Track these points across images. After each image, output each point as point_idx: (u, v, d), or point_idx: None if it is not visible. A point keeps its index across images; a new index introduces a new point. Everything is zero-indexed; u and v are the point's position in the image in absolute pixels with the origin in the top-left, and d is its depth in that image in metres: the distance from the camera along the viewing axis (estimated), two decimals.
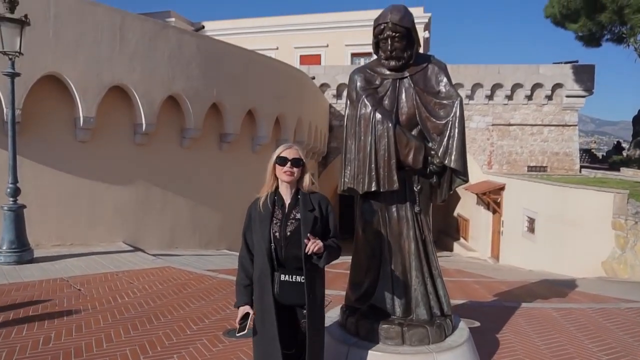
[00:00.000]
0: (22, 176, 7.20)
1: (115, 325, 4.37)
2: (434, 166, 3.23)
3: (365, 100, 3.18)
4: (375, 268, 3.33)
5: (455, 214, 22.97)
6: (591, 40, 16.02)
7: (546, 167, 19.46)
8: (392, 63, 3.21)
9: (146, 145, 9.68)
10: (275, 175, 2.52)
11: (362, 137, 3.17)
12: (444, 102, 3.20)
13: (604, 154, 34.02)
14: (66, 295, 5.41)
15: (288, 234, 2.44)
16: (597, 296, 6.93)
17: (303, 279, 2.41)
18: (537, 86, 19.35)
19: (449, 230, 23.85)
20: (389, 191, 3.18)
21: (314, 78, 18.93)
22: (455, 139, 3.12)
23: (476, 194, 18.45)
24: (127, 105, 9.22)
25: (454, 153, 3.12)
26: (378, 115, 3.13)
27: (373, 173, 3.13)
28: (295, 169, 2.46)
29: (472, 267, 12.81)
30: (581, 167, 20.17)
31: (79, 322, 4.42)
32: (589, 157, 30.62)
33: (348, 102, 3.34)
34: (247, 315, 2.47)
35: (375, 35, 3.19)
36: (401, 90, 3.25)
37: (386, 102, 3.23)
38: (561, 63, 19.83)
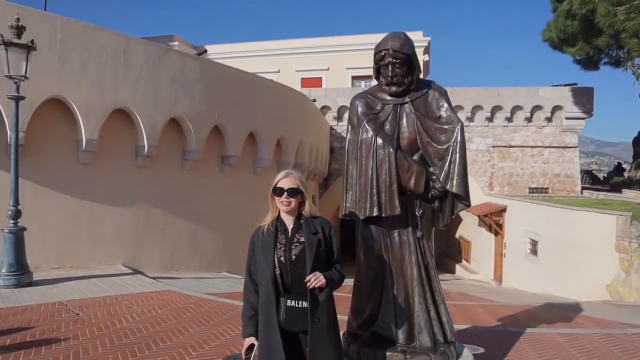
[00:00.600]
0: (23, 198, 7.20)
1: (113, 352, 4.30)
2: (436, 191, 3.23)
3: (367, 125, 3.20)
4: (377, 294, 3.30)
5: (457, 235, 22.85)
6: (589, 63, 16.22)
7: (547, 188, 19.45)
8: (393, 89, 3.24)
9: (148, 167, 9.71)
10: (274, 204, 2.52)
11: (364, 162, 3.18)
12: (445, 127, 3.22)
13: (605, 175, 34.05)
14: (64, 319, 5.34)
15: (293, 257, 2.42)
16: (602, 321, 6.82)
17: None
18: (536, 108, 19.51)
19: (450, 252, 23.69)
20: (391, 216, 3.17)
21: (314, 100, 19.11)
22: (457, 163, 3.13)
23: (478, 216, 18.40)
24: (129, 127, 9.28)
25: (455, 178, 3.13)
26: (379, 140, 3.15)
27: (375, 198, 3.13)
28: (292, 199, 2.46)
29: (475, 290, 12.66)
30: (583, 188, 20.16)
31: (77, 348, 4.35)
32: (590, 179, 30.63)
33: (349, 127, 3.37)
34: (252, 346, 2.47)
35: (376, 62, 3.23)
36: (402, 115, 3.28)
37: (387, 127, 3.25)
38: (560, 85, 20.04)
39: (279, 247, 2.45)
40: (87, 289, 6.91)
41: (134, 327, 5.13)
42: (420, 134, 3.24)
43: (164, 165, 10.06)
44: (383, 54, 3.14)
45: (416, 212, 3.31)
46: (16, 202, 6.94)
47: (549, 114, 19.41)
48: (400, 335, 3.21)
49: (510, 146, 19.83)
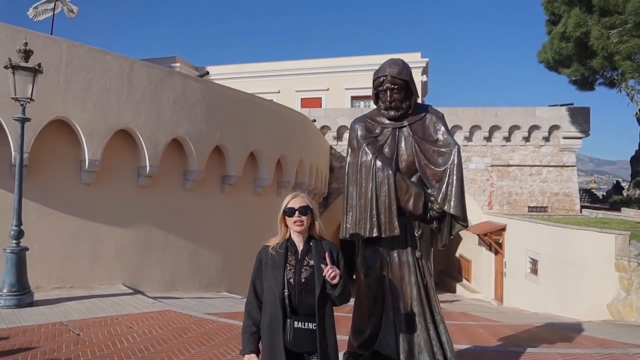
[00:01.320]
0: (26, 218, 7.26)
1: None
2: (434, 212, 3.31)
3: (366, 148, 3.30)
4: (377, 314, 3.34)
5: (457, 254, 22.81)
6: (584, 84, 16.48)
7: (546, 207, 19.52)
8: (392, 113, 3.35)
9: (149, 187, 9.80)
10: (286, 225, 2.57)
11: (364, 184, 3.27)
12: (442, 149, 3.32)
13: (604, 193, 34.12)
14: (65, 340, 5.35)
15: (302, 280, 2.47)
16: (604, 341, 6.81)
17: (315, 326, 2.42)
18: (534, 128, 19.72)
19: (451, 272, 23.60)
20: (390, 237, 3.25)
21: (314, 121, 19.32)
22: (454, 185, 3.22)
23: (477, 235, 18.41)
24: (131, 148, 9.41)
25: (453, 199, 3.21)
26: (378, 163, 3.24)
27: (374, 219, 3.21)
28: (304, 217, 2.52)
29: (476, 310, 12.61)
30: (582, 207, 20.22)
31: None
32: (589, 197, 30.70)
33: (349, 150, 3.46)
34: None
35: (375, 87, 3.35)
36: (400, 138, 3.38)
37: (386, 150, 3.35)
38: (557, 105, 20.29)
39: (288, 268, 2.50)
40: (88, 309, 6.92)
41: (134, 348, 5.14)
42: (418, 156, 3.33)
43: (166, 185, 10.16)
44: (382, 79, 3.27)
45: (415, 233, 3.39)
46: (19, 222, 7.00)
47: (546, 134, 19.61)
48: (401, 355, 3.24)
49: (508, 165, 19.98)
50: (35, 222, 7.93)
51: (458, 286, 21.39)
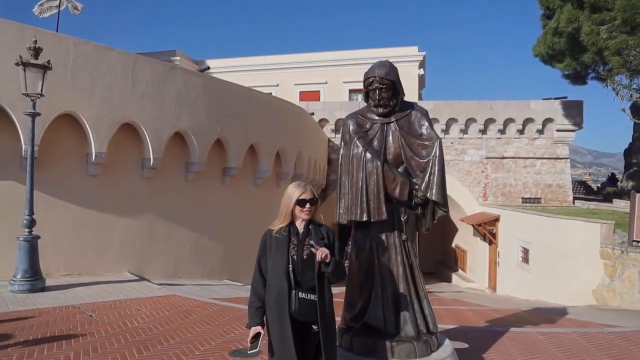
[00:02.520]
0: (35, 208, 7.56)
1: (128, 347, 4.70)
2: (418, 199, 3.67)
3: (357, 142, 3.66)
4: (367, 290, 3.72)
5: (453, 245, 23.25)
6: (577, 78, 16.80)
7: (540, 198, 19.92)
8: (380, 110, 3.71)
9: (153, 179, 10.15)
10: (292, 212, 2.90)
11: (355, 174, 3.63)
12: (426, 143, 3.68)
13: (599, 185, 34.56)
14: (79, 320, 5.74)
15: (305, 257, 2.82)
16: (584, 322, 7.23)
17: (316, 298, 2.75)
18: (528, 121, 20.07)
19: (447, 262, 24.05)
20: (379, 221, 3.61)
21: (313, 114, 19.64)
22: (436, 175, 3.58)
23: (472, 225, 18.83)
24: (136, 141, 9.75)
25: (434, 187, 3.57)
26: (368, 155, 3.61)
27: (364, 205, 3.57)
28: (313, 207, 2.89)
29: (469, 297, 13.04)
30: (575, 198, 20.62)
31: (95, 344, 4.75)
32: (584, 189, 31.13)
33: (342, 144, 3.82)
34: (258, 334, 2.76)
35: (365, 87, 3.71)
36: (388, 133, 3.74)
37: (375, 143, 3.71)
38: (551, 99, 20.62)
39: (292, 247, 2.85)
40: (97, 294, 7.31)
41: (144, 327, 5.53)
42: (404, 149, 3.69)
43: (169, 177, 10.51)
44: (371, 80, 3.62)
45: (401, 218, 3.75)
46: (31, 212, 7.36)
47: (540, 126, 19.96)
48: (388, 326, 3.62)
49: (503, 157, 20.34)
50: (44, 213, 8.27)
51: (454, 276, 21.86)
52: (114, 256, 9.47)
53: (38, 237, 7.45)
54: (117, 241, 9.52)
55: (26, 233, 7.33)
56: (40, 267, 7.47)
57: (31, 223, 7.36)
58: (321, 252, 2.72)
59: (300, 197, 2.86)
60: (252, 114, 12.44)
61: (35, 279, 7.30)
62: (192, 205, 11.12)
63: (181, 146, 10.71)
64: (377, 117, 3.77)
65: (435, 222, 3.87)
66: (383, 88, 3.60)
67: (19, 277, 7.19)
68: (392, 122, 3.75)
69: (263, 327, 2.80)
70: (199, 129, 10.73)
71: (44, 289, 7.36)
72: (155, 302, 6.96)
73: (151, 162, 9.78)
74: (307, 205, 2.86)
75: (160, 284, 8.66)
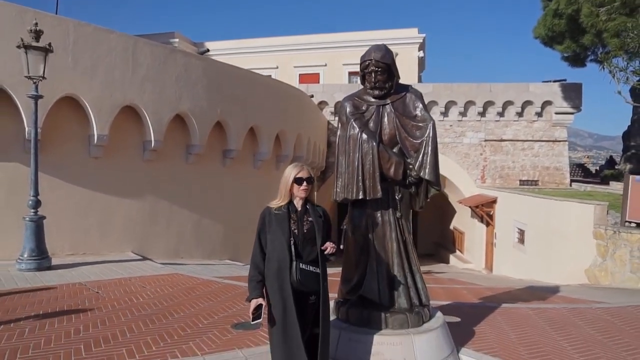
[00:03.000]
0: (39, 190, 7.75)
1: (134, 320, 4.91)
2: (412, 178, 3.83)
3: (354, 123, 3.80)
4: (363, 265, 3.90)
5: (451, 227, 23.52)
6: (576, 60, 16.79)
7: (537, 181, 20.09)
8: (376, 92, 3.84)
9: (154, 161, 10.29)
10: (290, 191, 3.06)
11: (351, 154, 3.78)
12: (420, 124, 3.82)
13: (597, 168, 34.73)
14: (86, 296, 5.95)
15: (305, 231, 3.01)
16: (574, 299, 7.47)
17: (316, 269, 2.96)
18: (527, 103, 20.10)
19: (445, 243, 24.37)
20: (374, 199, 3.78)
21: (312, 96, 19.66)
22: (429, 155, 3.74)
23: (470, 207, 19.05)
24: (137, 123, 9.86)
25: (428, 167, 3.73)
26: (364, 136, 3.75)
27: (360, 184, 3.73)
28: (309, 186, 3.07)
29: (465, 277, 13.32)
30: (572, 181, 20.79)
31: (102, 318, 4.97)
32: (583, 172, 31.31)
33: (339, 125, 3.97)
34: (260, 306, 2.91)
35: (362, 70, 3.83)
36: (384, 114, 3.88)
37: (371, 124, 3.85)
38: (550, 81, 20.61)
39: (292, 222, 3.02)
40: (102, 272, 7.52)
41: (149, 302, 5.74)
42: (399, 130, 3.84)
43: (169, 159, 10.66)
44: (367, 63, 3.74)
45: (396, 196, 3.92)
46: (36, 193, 7.52)
47: (539, 109, 20.01)
48: (382, 299, 3.81)
49: (501, 140, 20.44)
50: (48, 194, 8.41)
51: (452, 257, 22.18)
52: (117, 236, 9.67)
53: (43, 217, 7.63)
54: (120, 222, 9.71)
55: (32, 213, 7.50)
56: (46, 247, 7.67)
57: (36, 204, 7.53)
58: (330, 248, 2.96)
59: (298, 176, 3.03)
60: (251, 96, 12.51)
61: (42, 258, 7.50)
62: (193, 187, 11.29)
63: (182, 129, 10.82)
64: (373, 99, 3.91)
65: (428, 200, 4.04)
66: (379, 71, 3.72)
67: (26, 256, 7.39)
68: (388, 104, 3.88)
69: (264, 299, 2.96)
70: (199, 112, 10.82)
71: (50, 267, 7.57)
72: (159, 280, 7.17)
73: (152, 145, 9.91)
74: (304, 183, 3.02)
75: (163, 263, 8.88)
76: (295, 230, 2.99)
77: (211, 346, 4.17)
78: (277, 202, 3.07)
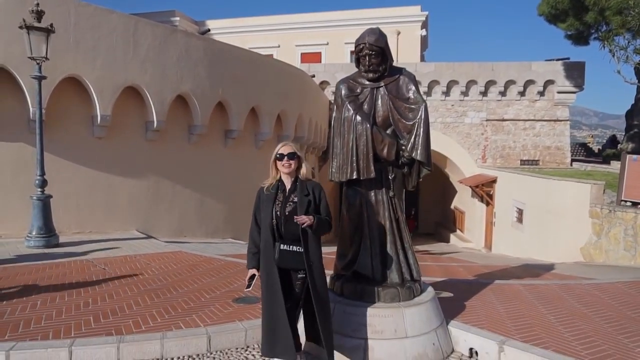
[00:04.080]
0: (45, 169, 7.93)
1: (140, 294, 5.14)
2: (404, 159, 3.96)
3: (348, 105, 3.92)
4: (357, 242, 4.07)
5: (452, 206, 23.73)
6: (579, 39, 16.66)
7: (538, 160, 20.16)
8: (370, 75, 3.95)
9: (157, 141, 10.45)
10: (276, 168, 3.25)
11: (346, 136, 3.91)
12: (412, 106, 3.93)
13: (600, 147, 34.65)
14: (93, 272, 6.19)
15: (287, 213, 3.17)
16: (566, 276, 7.67)
17: (299, 249, 3.14)
18: (529, 82, 20.02)
19: (446, 223, 24.63)
20: (368, 179, 3.92)
21: (313, 76, 19.63)
22: (421, 136, 3.86)
23: (470, 187, 19.20)
24: (139, 104, 9.98)
25: (420, 148, 3.85)
26: (358, 118, 3.87)
27: (354, 164, 3.87)
28: (291, 161, 3.20)
29: (462, 256, 13.57)
30: (573, 160, 20.86)
31: (110, 292, 5.20)
32: (585, 151, 31.28)
33: (335, 107, 4.09)
34: (253, 276, 3.30)
35: (356, 53, 3.93)
36: (378, 97, 3.99)
37: (365, 107, 3.97)
38: (553, 60, 20.47)
39: (277, 203, 3.21)
40: (108, 250, 7.76)
41: (154, 278, 5.98)
42: (392, 112, 3.96)
43: (172, 139, 10.80)
44: (361, 46, 3.84)
45: (389, 176, 4.06)
46: (42, 172, 7.71)
47: (541, 88, 19.94)
48: (375, 274, 3.99)
49: (503, 120, 20.44)
50: (53, 174, 8.60)
51: (452, 236, 22.46)
52: (122, 215, 9.90)
53: (50, 196, 7.84)
54: (125, 201, 9.92)
55: (39, 192, 7.71)
56: (53, 225, 7.90)
57: (43, 183, 7.72)
58: (301, 221, 3.05)
59: (279, 152, 3.19)
60: (253, 76, 12.56)
61: (49, 236, 7.74)
62: (196, 166, 11.46)
63: (183, 109, 10.93)
64: (367, 82, 4.01)
65: (420, 180, 4.18)
66: (372, 54, 3.82)
67: (34, 233, 7.63)
68: (382, 86, 3.99)
69: (258, 270, 3.27)
70: (201, 92, 10.91)
71: (58, 245, 7.82)
72: (163, 257, 7.41)
73: (155, 125, 10.04)
74: (285, 159, 3.17)
75: (167, 242, 9.12)
76: (278, 212, 3.16)
77: (213, 318, 4.39)
78: (268, 181, 3.27)
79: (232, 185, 12.36)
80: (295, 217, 3.09)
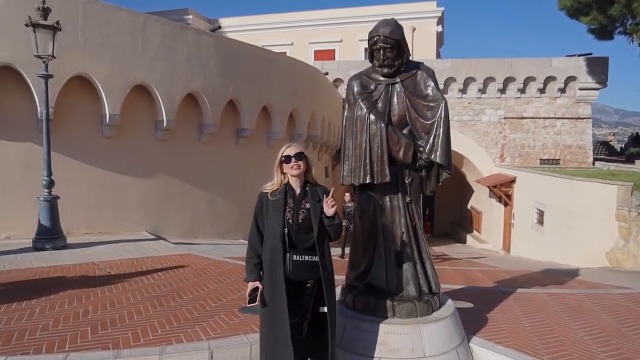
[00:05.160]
0: (53, 169, 7.78)
1: (143, 302, 4.91)
2: (422, 161, 3.65)
3: (361, 103, 3.61)
4: (371, 251, 3.77)
5: (469, 206, 23.21)
6: (603, 33, 16.01)
7: (559, 159, 19.55)
8: (385, 70, 3.63)
9: (167, 140, 10.26)
10: (282, 172, 2.95)
11: (359, 136, 3.61)
12: (431, 104, 3.61)
13: (622, 146, 33.65)
14: (98, 277, 5.99)
15: (300, 221, 2.88)
16: (593, 284, 7.26)
17: (311, 259, 2.86)
18: (550, 79, 19.40)
19: (462, 223, 24.11)
20: (382, 183, 3.62)
21: (327, 74, 19.32)
22: (441, 137, 3.54)
23: (488, 187, 18.69)
24: (149, 103, 9.79)
25: (439, 150, 3.54)
26: (372, 117, 3.57)
27: (368, 167, 3.57)
28: (300, 162, 2.90)
29: (482, 259, 13.14)
30: (595, 159, 20.19)
31: (112, 299, 4.98)
32: (607, 150, 30.41)
33: (346, 105, 3.78)
34: (257, 288, 2.91)
35: (370, 46, 3.62)
36: (393, 94, 3.68)
37: (380, 104, 3.66)
38: (574, 55, 19.81)
39: (288, 210, 2.90)
40: (116, 252, 7.59)
41: (159, 284, 5.75)
42: (409, 110, 3.64)
43: (182, 138, 10.60)
44: (375, 39, 3.52)
45: (405, 180, 3.75)
46: (49, 173, 7.56)
47: (562, 85, 19.31)
48: (390, 286, 3.69)
49: (522, 118, 19.86)
50: (62, 174, 8.47)
51: (468, 237, 21.96)
52: (132, 216, 9.74)
53: (57, 197, 7.68)
54: (134, 201, 9.76)
55: (46, 193, 7.56)
56: (61, 226, 7.75)
57: (50, 183, 7.57)
58: (331, 200, 2.79)
59: (285, 154, 2.90)
60: (264, 74, 12.29)
61: (56, 237, 7.59)
62: (207, 166, 11.25)
63: (194, 108, 10.71)
64: (381, 78, 3.71)
65: (439, 184, 3.86)
66: (387, 47, 3.51)
67: (41, 235, 7.48)
68: (397, 82, 3.68)
69: (261, 282, 2.93)
70: (212, 90, 10.68)
71: (65, 246, 7.66)
72: (171, 260, 7.20)
73: (164, 124, 9.85)
74: (293, 160, 2.87)
75: (176, 243, 8.93)
76: (290, 220, 2.87)
77: (217, 330, 4.14)
78: (270, 186, 2.97)
79: (243, 185, 12.12)
80: (326, 199, 2.81)
